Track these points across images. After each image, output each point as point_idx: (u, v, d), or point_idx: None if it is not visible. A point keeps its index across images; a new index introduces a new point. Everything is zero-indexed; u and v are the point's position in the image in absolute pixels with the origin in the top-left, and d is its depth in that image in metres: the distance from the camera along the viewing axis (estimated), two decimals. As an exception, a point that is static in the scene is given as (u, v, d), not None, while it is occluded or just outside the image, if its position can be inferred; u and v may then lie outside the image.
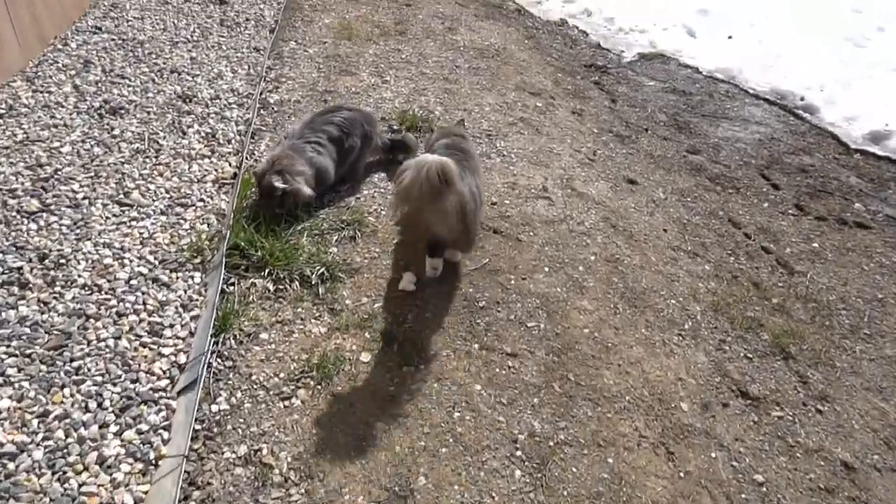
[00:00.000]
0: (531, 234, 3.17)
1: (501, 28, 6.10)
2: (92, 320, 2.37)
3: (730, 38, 6.07)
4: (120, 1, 5.19)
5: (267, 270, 2.71)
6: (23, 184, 2.99)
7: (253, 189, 3.09)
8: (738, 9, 6.72)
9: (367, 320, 2.56)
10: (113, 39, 4.54)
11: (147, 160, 3.31)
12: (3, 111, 3.52)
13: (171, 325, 2.41)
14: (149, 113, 3.73)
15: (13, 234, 2.71)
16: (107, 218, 2.88)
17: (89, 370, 2.19)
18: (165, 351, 2.30)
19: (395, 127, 3.89)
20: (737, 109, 4.98)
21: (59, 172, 3.10)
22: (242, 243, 2.76)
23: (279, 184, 2.89)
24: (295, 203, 2.99)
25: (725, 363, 2.64)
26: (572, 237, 3.20)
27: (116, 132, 3.49)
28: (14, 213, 2.82)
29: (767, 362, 2.69)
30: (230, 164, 3.39)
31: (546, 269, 2.94)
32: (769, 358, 2.71)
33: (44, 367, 2.18)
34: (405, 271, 2.77)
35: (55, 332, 2.30)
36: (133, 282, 2.56)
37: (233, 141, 3.60)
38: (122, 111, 3.70)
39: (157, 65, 4.28)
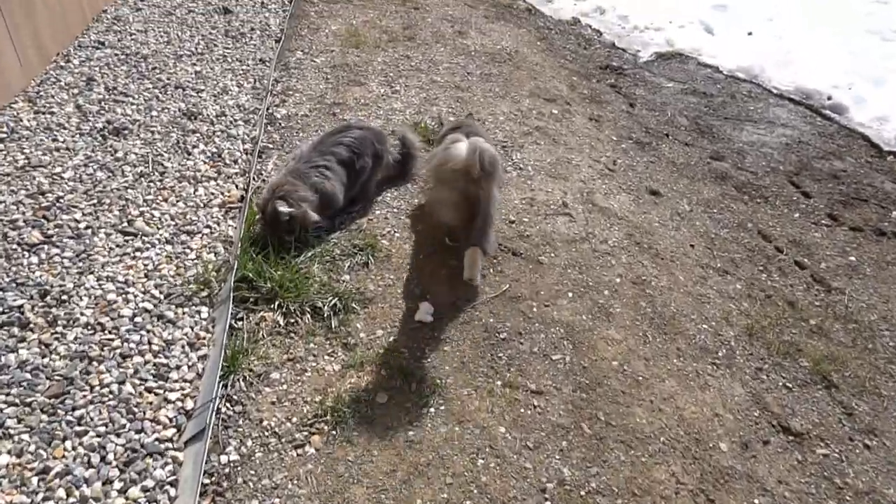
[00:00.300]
0: (552, 255, 3.03)
1: (512, 29, 5.94)
2: (95, 363, 2.25)
3: (749, 34, 5.86)
4: (123, 13, 5.08)
5: (277, 303, 2.58)
6: (24, 213, 2.88)
7: (258, 216, 2.97)
8: (755, 3, 6.50)
9: (382, 356, 2.42)
10: (116, 54, 4.43)
11: (151, 184, 3.19)
12: (5, 135, 3.42)
13: (178, 367, 2.29)
14: (153, 133, 3.61)
15: (13, 268, 2.60)
16: (110, 249, 2.77)
17: (92, 419, 2.08)
18: (172, 396, 2.18)
19: (394, 129, 3.75)
20: (761, 111, 4.79)
21: (61, 200, 2.99)
22: (251, 274, 2.63)
23: (284, 208, 2.77)
24: (303, 228, 2.87)
25: (764, 394, 2.48)
26: (595, 258, 3.05)
27: (120, 154, 3.37)
28: (14, 246, 2.71)
29: (808, 392, 2.53)
30: (237, 187, 3.27)
31: (569, 294, 2.79)
32: (810, 387, 2.55)
33: (45, 418, 2.07)
34: (421, 301, 2.64)
35: (56, 377, 2.19)
36: (137, 319, 2.45)
37: (239, 161, 3.48)
38: (126, 131, 3.58)
39: (161, 80, 4.17)
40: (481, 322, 2.61)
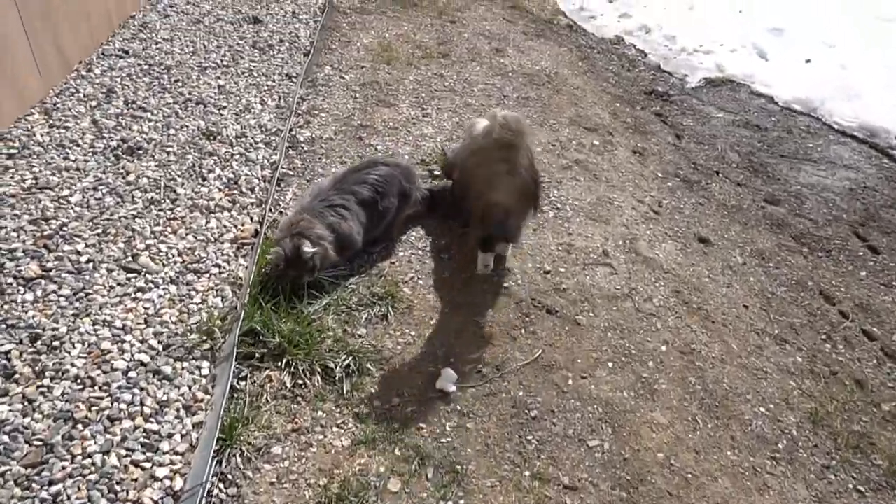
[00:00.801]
0: (591, 314, 2.73)
1: (553, 48, 5.64)
2: (79, 426, 2.03)
3: (808, 61, 5.47)
4: (151, 20, 4.92)
5: (285, 360, 2.34)
6: (24, 241, 2.69)
7: (271, 257, 2.73)
8: (815, 27, 6.09)
9: (397, 430, 2.16)
10: (139, 64, 4.26)
11: (161, 213, 2.98)
12: (16, 150, 3.25)
13: (170, 435, 2.06)
14: (168, 153, 3.41)
15: (6, 306, 2.40)
16: (110, 288, 2.56)
17: (69, 498, 1.85)
18: (160, 472, 1.94)
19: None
20: (821, 149, 4.42)
21: (65, 228, 2.80)
22: (258, 327, 2.39)
23: (308, 248, 2.53)
24: (322, 268, 2.63)
25: (832, 499, 2.16)
26: (639, 319, 2.75)
27: (132, 178, 3.17)
28: (10, 280, 2.52)
29: (884, 498, 2.19)
30: (251, 219, 3.04)
31: (610, 364, 2.50)
32: (885, 492, 2.22)
33: (18, 492, 1.85)
34: (444, 366, 2.38)
35: (36, 442, 1.97)
36: (132, 374, 2.22)
37: (256, 189, 3.25)
38: (140, 151, 3.39)
39: (183, 95, 3.97)
40: (510, 395, 2.33)
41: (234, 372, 2.26)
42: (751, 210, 3.75)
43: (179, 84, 4.10)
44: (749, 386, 2.53)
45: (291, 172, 3.45)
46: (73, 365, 2.22)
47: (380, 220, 2.84)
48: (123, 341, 2.34)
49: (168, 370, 2.25)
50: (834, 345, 2.84)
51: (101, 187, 3.09)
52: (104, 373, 2.21)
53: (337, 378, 2.32)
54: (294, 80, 4.38)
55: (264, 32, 5.00)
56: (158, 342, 2.36)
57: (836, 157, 4.33)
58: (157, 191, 3.12)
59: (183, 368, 2.28)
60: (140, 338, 2.37)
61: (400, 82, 4.58)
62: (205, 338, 2.39)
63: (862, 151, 4.40)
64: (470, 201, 2.83)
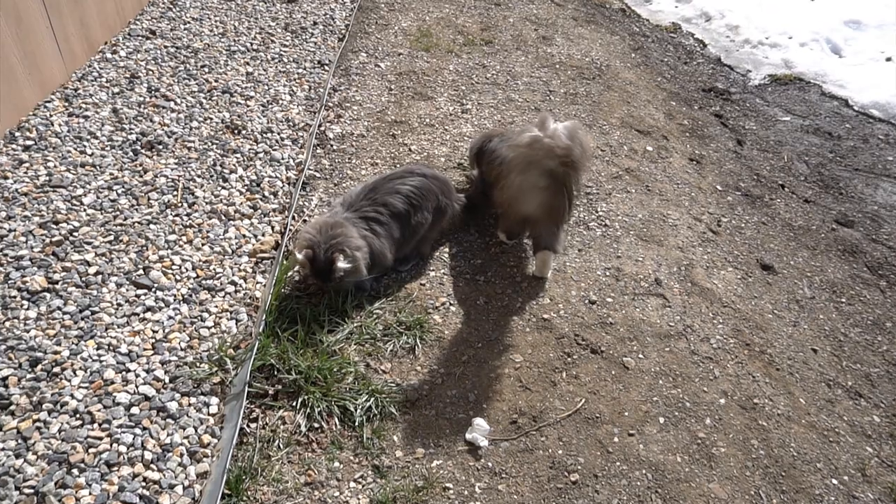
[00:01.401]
0: (640, 355, 2.45)
1: (604, 35, 5.24)
2: (74, 472, 1.86)
3: (888, 60, 4.97)
4: (180, -3, 4.69)
5: (300, 399, 2.12)
6: (32, 248, 2.52)
7: (295, 269, 2.51)
8: (896, 19, 5.54)
9: (421, 491, 1.94)
10: (166, 46, 4.04)
11: (177, 219, 2.78)
12: (33, 142, 3.07)
13: (171, 486, 1.87)
14: (189, 149, 3.20)
15: (7, 322, 2.24)
16: (118, 305, 2.37)
17: (57, 559, 1.68)
18: (157, 532, 1.76)
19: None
20: (901, 163, 3.99)
21: (75, 234, 2.62)
22: (272, 361, 2.18)
23: (342, 263, 2.30)
24: (353, 285, 2.42)
25: None
26: (694, 364, 2.46)
27: (149, 177, 2.97)
28: (14, 293, 2.35)
29: None
30: (272, 229, 2.82)
31: (661, 419, 2.22)
32: None
33: (4, 548, 1.69)
34: (475, 414, 2.14)
35: (27, 489, 1.80)
36: (134, 410, 2.04)
37: (279, 193, 3.03)
38: (160, 146, 3.18)
39: (209, 82, 3.75)
40: (548, 452, 2.08)
41: (244, 412, 2.06)
42: (820, 232, 3.38)
43: (206, 70, 3.87)
44: (819, 451, 2.23)
45: (318, 174, 3.21)
46: (72, 396, 2.04)
47: (412, 236, 2.59)
48: (128, 370, 2.15)
49: (173, 407, 2.06)
50: (916, 402, 2.51)
51: (116, 187, 2.90)
52: (105, 407, 2.03)
53: (357, 423, 2.10)
54: (326, 67, 4.11)
55: (298, 13, 4.72)
56: (165, 372, 2.17)
57: (919, 172, 3.90)
58: (175, 192, 2.91)
59: (189, 405, 2.09)
60: (146, 366, 2.18)
61: (439, 73, 4.27)
62: (215, 369, 2.19)
63: (948, 167, 3.95)
64: (500, 196, 2.71)
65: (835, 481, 2.15)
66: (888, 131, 4.28)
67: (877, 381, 2.58)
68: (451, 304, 2.59)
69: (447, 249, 2.87)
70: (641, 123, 4.02)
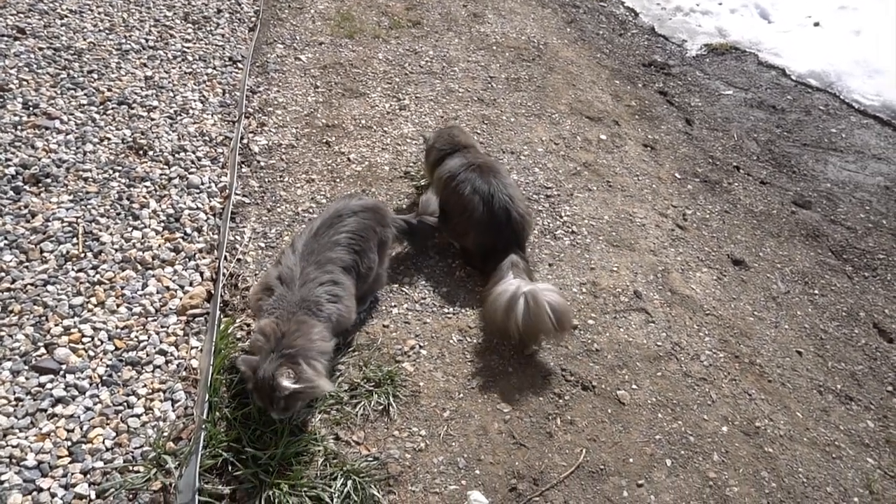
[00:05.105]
0: (633, 385, 2.26)
1: (535, 9, 4.95)
2: None
3: (816, 24, 4.96)
4: (51, -15, 3.97)
5: (264, 496, 1.78)
6: None
7: (237, 324, 2.12)
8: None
9: None
10: (41, 48, 3.39)
11: (81, 274, 2.30)
12: None
13: None
14: (86, 181, 2.68)
15: None
16: (17, 401, 1.91)
17: None
18: None
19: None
20: (844, 135, 3.98)
21: (-51, 309, 2.10)
22: (224, 453, 1.82)
23: (287, 381, 1.77)
24: (298, 406, 1.88)
25: None
26: (689, 388, 2.29)
27: (38, 222, 2.45)
28: None
29: None
30: (202, 276, 2.39)
31: (668, 461, 2.04)
32: None
33: None
34: (468, 484, 1.87)
35: None
36: (54, 544, 1.63)
37: (204, 228, 2.58)
38: (48, 180, 2.64)
39: (100, 91, 3.17)
40: (556, 522, 1.86)
41: (196, 527, 1.70)
42: (781, 216, 3.30)
43: (95, 76, 3.28)
44: (826, 473, 2.13)
45: (247, 199, 2.78)
46: (-32, 537, 1.61)
47: (364, 281, 2.23)
48: (40, 489, 1.73)
49: (105, 533, 1.67)
50: (902, 397, 2.46)
51: (-4, 239, 2.36)
52: (14, 547, 1.61)
53: (334, 516, 1.78)
54: (240, 65, 3.60)
55: (197, 0, 4.12)
56: (90, 485, 1.76)
57: (863, 144, 3.90)
58: (74, 240, 2.41)
59: (126, 527, 1.70)
60: (63, 480, 1.76)
61: (368, 63, 3.85)
62: (154, 471, 1.80)
63: (888, 137, 3.98)
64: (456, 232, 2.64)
65: (846, 505, 2.05)
66: (827, 101, 4.27)
67: (862, 380, 2.52)
68: (421, 347, 2.29)
69: (408, 279, 2.55)
70: (591, 109, 3.79)
